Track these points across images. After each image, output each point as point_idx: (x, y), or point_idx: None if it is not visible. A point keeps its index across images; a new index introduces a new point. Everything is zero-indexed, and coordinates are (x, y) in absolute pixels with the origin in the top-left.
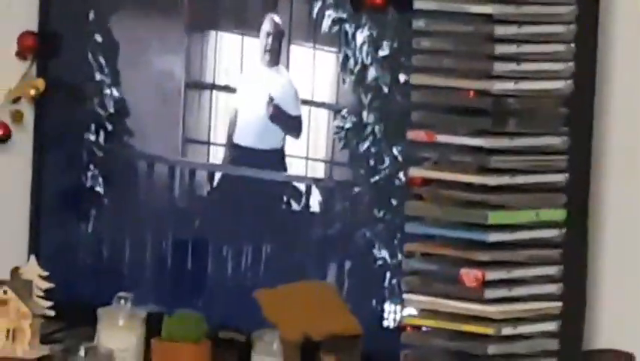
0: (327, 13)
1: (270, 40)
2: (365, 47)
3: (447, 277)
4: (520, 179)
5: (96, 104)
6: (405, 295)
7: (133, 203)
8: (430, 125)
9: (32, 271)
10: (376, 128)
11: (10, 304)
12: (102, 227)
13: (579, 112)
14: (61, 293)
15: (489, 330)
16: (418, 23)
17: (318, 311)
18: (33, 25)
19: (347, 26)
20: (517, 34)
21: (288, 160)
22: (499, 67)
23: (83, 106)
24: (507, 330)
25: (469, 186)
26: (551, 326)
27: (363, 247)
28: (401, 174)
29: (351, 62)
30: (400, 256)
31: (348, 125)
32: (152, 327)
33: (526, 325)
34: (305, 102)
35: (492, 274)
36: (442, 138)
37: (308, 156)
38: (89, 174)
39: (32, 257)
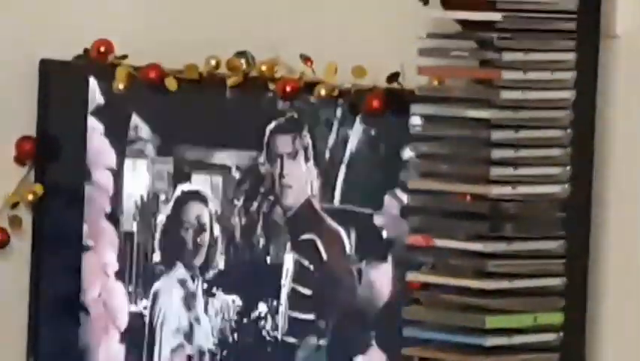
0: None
1: None
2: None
3: None
4: (518, 283)
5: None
6: None
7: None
8: (428, 230)
9: None
10: None
11: None
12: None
13: (576, 216)
14: None
15: None
16: (415, 128)
17: None
18: (31, 130)
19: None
20: (515, 138)
21: None
22: (497, 171)
23: (81, 210)
24: None
25: (466, 291)
26: None
27: None
28: None
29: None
30: None
31: None
32: None
33: None
34: None
35: None
36: (440, 243)
37: None
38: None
39: None
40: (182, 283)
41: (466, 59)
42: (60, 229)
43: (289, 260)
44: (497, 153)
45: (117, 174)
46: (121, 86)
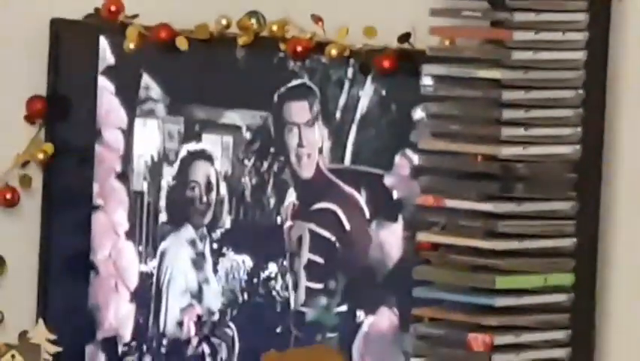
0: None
1: None
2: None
3: (455, 342)
4: (528, 244)
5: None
6: (413, 360)
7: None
8: (438, 190)
9: (40, 334)
10: None
11: None
12: (110, 291)
13: (587, 177)
14: (70, 357)
15: None
16: (426, 88)
17: None
18: (42, 90)
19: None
20: (525, 99)
21: None
22: (507, 132)
23: (91, 170)
24: None
25: (477, 251)
26: None
27: None
28: None
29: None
30: None
31: None
32: None
33: None
34: None
35: (500, 339)
36: (450, 203)
37: None
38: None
39: (40, 321)
40: (192, 243)
41: (477, 19)
42: (70, 188)
43: (304, 229)
44: (508, 114)
45: (127, 134)
46: (132, 46)
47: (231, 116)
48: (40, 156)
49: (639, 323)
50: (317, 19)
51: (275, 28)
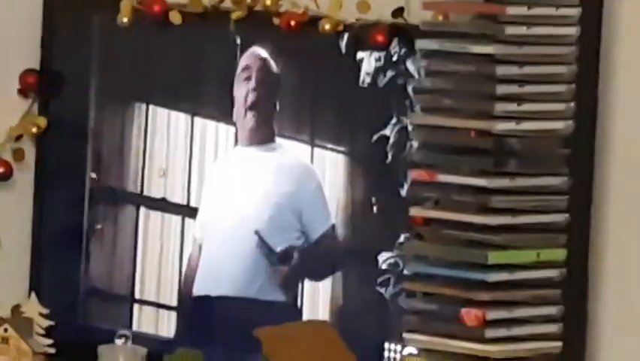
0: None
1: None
2: None
3: (447, 317)
4: (521, 219)
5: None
6: (405, 335)
7: (133, 241)
8: (432, 165)
9: (33, 308)
10: None
11: (11, 342)
12: (103, 265)
13: (580, 152)
14: (62, 331)
15: None
16: (420, 63)
17: (317, 350)
18: (35, 64)
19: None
20: (519, 74)
21: None
22: (501, 107)
23: (84, 144)
24: None
25: (470, 226)
26: None
27: None
28: None
29: None
30: None
31: None
32: None
33: None
34: None
35: (493, 314)
36: (444, 178)
37: None
38: (90, 211)
39: (33, 295)
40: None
41: None
42: (63, 162)
43: None
44: (501, 89)
45: None
46: (125, 20)
47: None
48: (34, 129)
49: (631, 299)
50: None
51: (268, 2)
